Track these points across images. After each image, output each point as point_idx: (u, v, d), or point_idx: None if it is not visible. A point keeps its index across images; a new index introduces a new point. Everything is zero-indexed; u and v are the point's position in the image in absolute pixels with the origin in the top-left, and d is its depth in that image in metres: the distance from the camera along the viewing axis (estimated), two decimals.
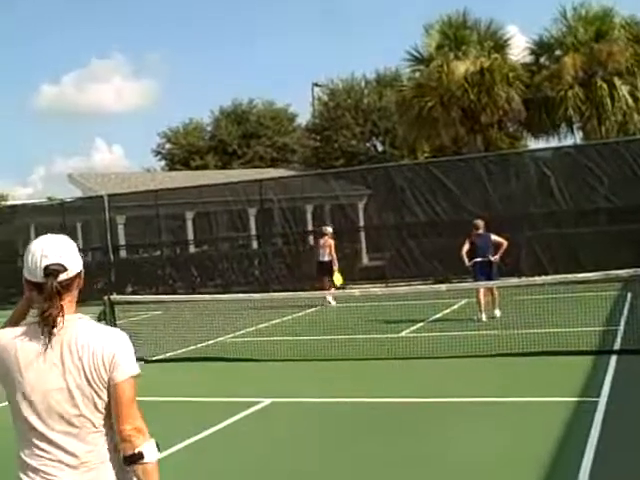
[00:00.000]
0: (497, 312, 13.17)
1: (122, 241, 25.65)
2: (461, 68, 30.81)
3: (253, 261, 23.97)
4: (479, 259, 13.42)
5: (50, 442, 2.71)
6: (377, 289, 15.68)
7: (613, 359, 9.17)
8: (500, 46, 31.92)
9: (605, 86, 29.43)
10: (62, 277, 2.73)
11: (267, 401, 8.44)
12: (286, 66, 78.69)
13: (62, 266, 2.73)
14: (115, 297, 12.71)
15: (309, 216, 26.93)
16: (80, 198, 28.67)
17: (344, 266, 22.21)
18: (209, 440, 7.19)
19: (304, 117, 53.77)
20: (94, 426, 2.72)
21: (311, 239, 25.42)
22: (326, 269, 17.84)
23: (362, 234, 23.69)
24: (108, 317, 11.99)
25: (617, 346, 10.00)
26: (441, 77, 30.66)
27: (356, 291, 13.52)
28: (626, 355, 9.33)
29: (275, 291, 17.68)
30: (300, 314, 15.24)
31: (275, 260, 23.05)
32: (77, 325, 2.75)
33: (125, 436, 2.68)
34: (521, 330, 10.99)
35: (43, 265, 2.73)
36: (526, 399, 7.77)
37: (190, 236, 26.59)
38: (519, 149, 31.78)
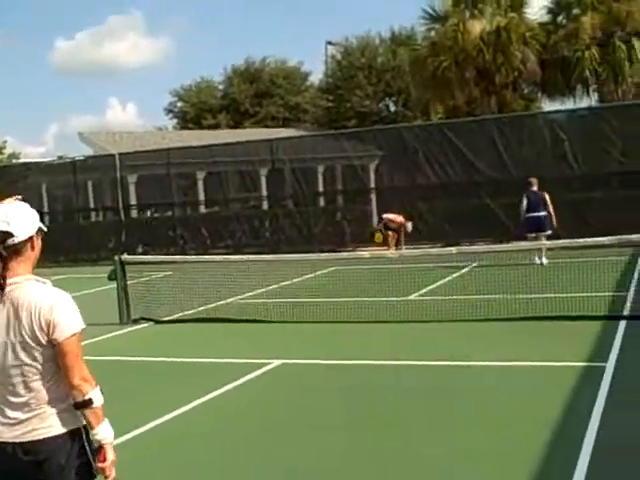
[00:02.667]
0: (545, 260, 14.83)
1: (133, 200, 25.58)
2: (477, 27, 30.41)
3: (264, 222, 23.92)
4: (532, 214, 15.13)
5: (3, 384, 3.09)
6: (387, 251, 15.68)
7: (622, 324, 9.15)
8: (517, 4, 31.42)
9: (623, 47, 28.97)
10: (9, 242, 3.02)
11: (277, 362, 8.49)
12: (299, 24, 77.95)
13: (7, 233, 3.02)
14: (125, 257, 12.73)
15: (320, 177, 26.81)
16: (91, 156, 28.62)
17: (355, 228, 22.25)
18: (218, 401, 7.24)
19: (317, 76, 53.27)
20: (36, 375, 3.05)
21: (322, 200, 25.34)
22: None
23: (373, 196, 23.58)
24: (119, 277, 12.03)
25: (627, 311, 9.97)
26: (456, 36, 30.28)
27: (365, 253, 13.49)
28: (635, 321, 9.30)
29: (285, 253, 17.68)
30: (310, 276, 15.26)
31: (285, 221, 23.01)
32: (23, 286, 3.05)
33: (74, 386, 3.03)
34: (530, 295, 10.97)
35: None
36: (534, 363, 7.78)
37: (201, 196, 26.48)
38: (533, 111, 31.51)
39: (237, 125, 45.12)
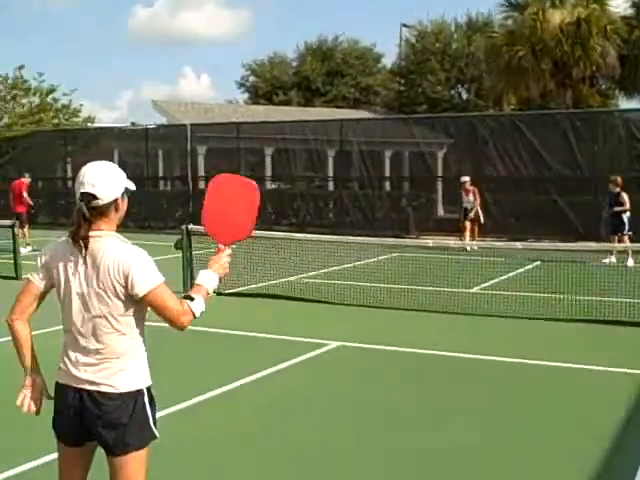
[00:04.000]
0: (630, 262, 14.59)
1: (202, 172, 25.88)
2: (557, 17, 29.80)
3: (328, 203, 23.97)
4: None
5: (75, 334, 3.21)
6: (451, 241, 15.61)
7: None
8: None
9: None
10: (94, 204, 3.12)
11: (334, 344, 8.58)
12: (374, 4, 77.29)
13: (93, 195, 3.11)
14: (192, 227, 12.92)
15: (387, 161, 26.74)
16: (163, 125, 29.05)
17: (419, 215, 22.14)
18: (274, 377, 7.36)
19: (389, 58, 52.89)
20: (108, 328, 3.15)
21: (387, 185, 25.28)
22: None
23: (439, 184, 23.46)
24: (184, 246, 12.25)
25: None
26: (535, 26, 29.72)
27: (430, 242, 13.45)
28: None
29: (348, 235, 17.75)
30: (372, 260, 15.31)
31: (350, 203, 23.02)
32: (103, 240, 3.15)
33: (180, 328, 3.23)
34: (597, 297, 10.80)
35: (79, 192, 3.15)
36: (591, 367, 7.66)
37: (268, 172, 26.70)
38: (609, 108, 30.78)
39: (308, 103, 45.15)
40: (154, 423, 3.26)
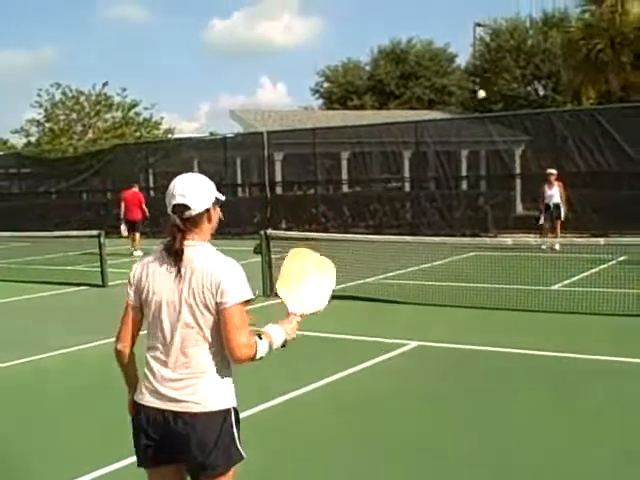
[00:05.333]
0: None
1: (279, 178, 26.22)
2: (636, 8, 29.06)
3: (405, 204, 23.90)
4: None
5: (161, 349, 3.13)
6: (531, 239, 15.38)
7: None
8: None
9: None
10: (186, 215, 3.11)
11: (413, 344, 8.57)
12: (446, 5, 76.65)
13: (184, 206, 3.10)
14: (271, 232, 13.11)
15: (464, 161, 26.50)
16: (241, 134, 29.54)
17: (498, 214, 21.86)
18: (352, 378, 7.40)
19: (463, 58, 52.46)
20: (196, 340, 3.07)
21: (464, 184, 25.06)
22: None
23: (518, 182, 23.10)
24: (264, 251, 12.46)
25: None
26: (613, 18, 29.03)
27: (509, 240, 13.30)
28: None
29: (426, 235, 17.66)
30: (450, 260, 15.20)
31: (427, 204, 22.92)
32: (196, 251, 3.12)
33: (237, 358, 3.06)
34: None
35: (171, 204, 3.14)
36: None
37: (344, 176, 26.81)
38: None
39: (382, 106, 45.18)
40: (240, 444, 3.16)
